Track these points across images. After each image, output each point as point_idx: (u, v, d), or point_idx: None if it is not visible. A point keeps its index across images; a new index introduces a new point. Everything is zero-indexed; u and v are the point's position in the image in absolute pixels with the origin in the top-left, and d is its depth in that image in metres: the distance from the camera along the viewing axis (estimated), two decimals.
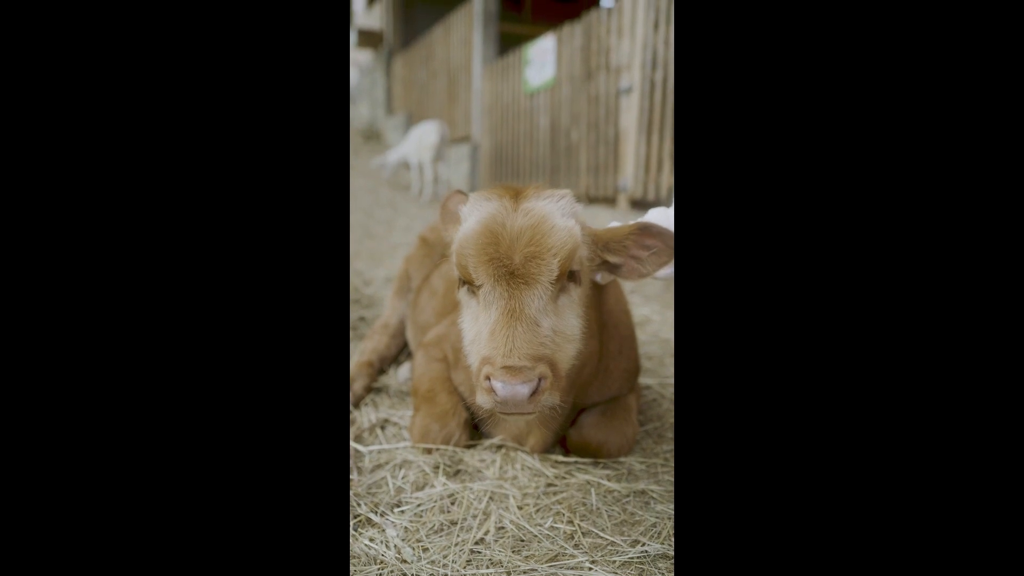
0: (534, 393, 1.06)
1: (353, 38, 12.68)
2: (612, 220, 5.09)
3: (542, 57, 6.49)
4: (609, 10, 5.29)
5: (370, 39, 12.63)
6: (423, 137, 7.40)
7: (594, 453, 1.57)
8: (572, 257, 1.17)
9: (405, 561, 1.19)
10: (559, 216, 1.21)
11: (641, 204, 5.07)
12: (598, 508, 1.39)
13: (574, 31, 5.87)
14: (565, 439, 1.62)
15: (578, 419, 1.60)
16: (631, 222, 1.33)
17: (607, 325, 1.56)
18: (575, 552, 1.22)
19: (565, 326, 1.17)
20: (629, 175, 5.06)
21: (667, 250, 1.26)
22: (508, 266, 1.14)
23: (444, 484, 1.46)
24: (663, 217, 1.46)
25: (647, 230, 1.27)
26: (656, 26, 4.67)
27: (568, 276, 1.19)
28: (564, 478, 1.51)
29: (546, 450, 1.61)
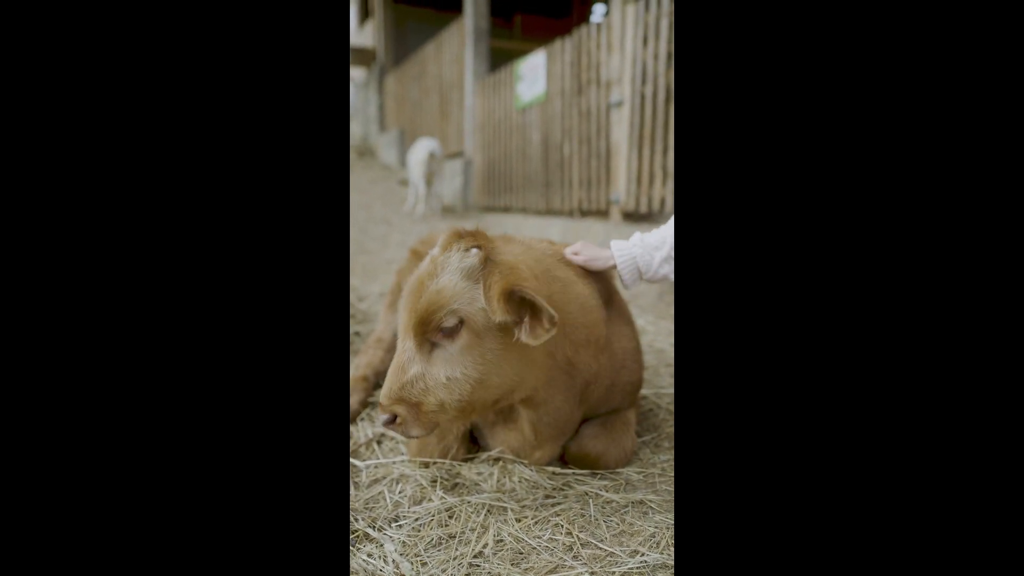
0: (389, 424, 1.27)
1: None
2: (606, 234, 5.14)
3: (533, 73, 6.54)
4: (599, 25, 5.35)
5: (362, 57, 12.70)
6: (415, 154, 7.44)
7: (592, 464, 1.57)
8: (426, 320, 1.25)
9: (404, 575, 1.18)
10: (447, 274, 1.28)
11: (633, 216, 5.09)
12: (596, 519, 1.38)
13: (564, 46, 5.93)
14: (564, 450, 1.61)
15: (578, 430, 1.60)
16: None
17: (612, 341, 1.57)
18: (574, 563, 1.22)
19: (436, 375, 1.26)
20: (621, 188, 5.09)
21: (537, 323, 1.22)
22: (403, 319, 1.31)
23: (442, 498, 1.45)
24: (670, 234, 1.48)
25: (512, 296, 1.22)
26: (645, 41, 4.72)
27: (440, 331, 1.26)
28: (562, 490, 1.50)
29: (551, 463, 1.61)
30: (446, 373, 1.27)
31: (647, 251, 1.50)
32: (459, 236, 1.34)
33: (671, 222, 1.50)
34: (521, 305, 1.24)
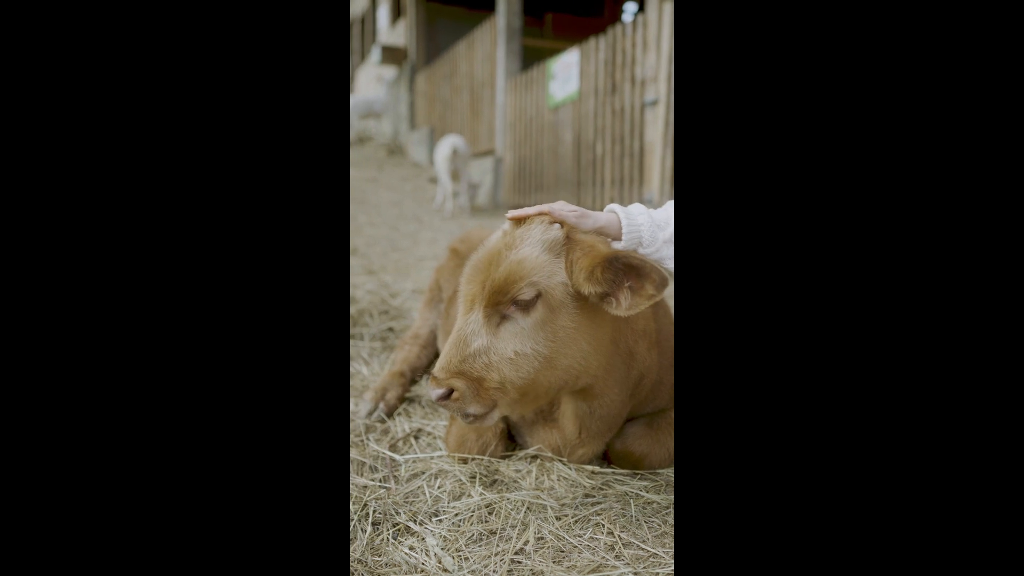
0: (444, 399, 1.20)
1: (376, 55, 12.88)
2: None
3: (566, 71, 6.52)
4: (634, 23, 5.31)
5: (394, 56, 12.81)
6: (440, 151, 7.44)
7: (635, 464, 1.56)
8: (503, 289, 1.22)
9: (447, 570, 1.18)
10: (528, 245, 1.25)
11: None
12: (638, 520, 1.37)
13: (599, 44, 5.91)
14: (607, 449, 1.60)
15: (623, 429, 1.59)
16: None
17: (660, 339, 1.55)
18: (617, 563, 1.21)
19: (503, 349, 1.22)
20: (655, 188, 5.05)
21: (640, 289, 1.18)
22: (468, 291, 1.27)
23: (481, 494, 1.45)
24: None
25: (614, 263, 1.19)
26: None
27: (514, 304, 1.23)
28: (602, 489, 1.50)
29: (592, 461, 1.61)
30: (515, 348, 1.22)
31: (653, 228, 1.38)
32: (537, 215, 1.31)
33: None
34: (616, 276, 1.20)
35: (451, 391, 1.21)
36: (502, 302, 1.23)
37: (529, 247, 1.25)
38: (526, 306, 1.23)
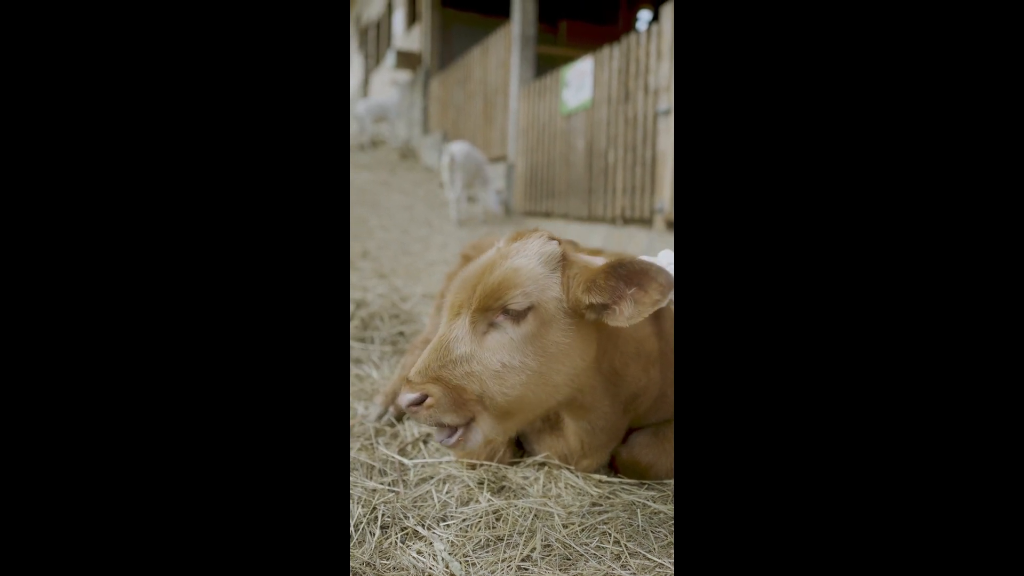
0: (416, 405, 1.16)
1: (391, 59, 12.97)
2: (649, 242, 5.10)
3: (579, 79, 6.54)
4: (648, 32, 5.33)
5: (408, 60, 12.89)
6: (443, 159, 7.40)
7: (642, 473, 1.57)
8: (495, 295, 1.20)
9: (454, 575, 1.19)
10: (524, 256, 1.25)
11: None
12: (644, 530, 1.38)
13: (612, 53, 5.92)
14: (613, 458, 1.61)
15: (628, 438, 1.60)
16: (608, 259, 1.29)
17: (665, 352, 1.56)
18: (623, 573, 1.22)
19: (487, 360, 1.19)
20: (667, 197, 5.05)
21: (644, 295, 1.16)
22: (455, 299, 1.25)
23: (489, 500, 1.46)
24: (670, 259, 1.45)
25: (618, 269, 1.18)
26: None
27: (504, 313, 1.21)
28: (609, 498, 1.50)
29: (598, 470, 1.62)
30: (501, 359, 1.19)
31: None
32: (531, 231, 1.33)
33: None
34: (618, 284, 1.18)
35: (425, 397, 1.16)
36: (492, 308, 1.20)
37: (525, 258, 1.25)
38: (517, 317, 1.21)
